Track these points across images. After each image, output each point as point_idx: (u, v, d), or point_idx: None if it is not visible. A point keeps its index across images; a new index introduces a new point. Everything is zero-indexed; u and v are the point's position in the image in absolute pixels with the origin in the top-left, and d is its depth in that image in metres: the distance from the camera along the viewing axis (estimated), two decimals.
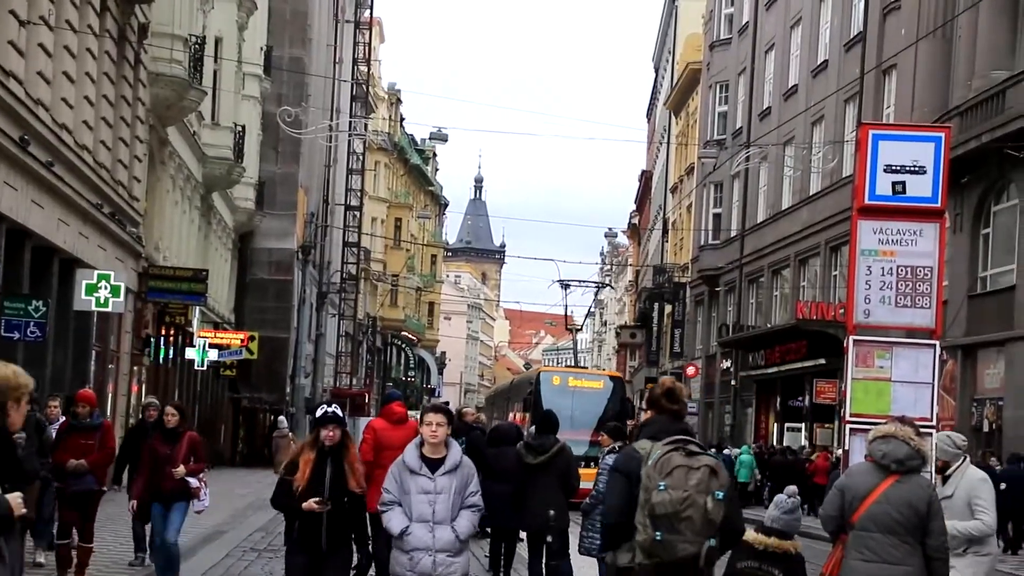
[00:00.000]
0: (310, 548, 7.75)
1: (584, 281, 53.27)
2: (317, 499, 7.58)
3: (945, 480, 8.67)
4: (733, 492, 6.00)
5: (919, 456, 6.73)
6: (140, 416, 14.03)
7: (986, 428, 28.23)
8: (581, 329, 35.59)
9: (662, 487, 5.69)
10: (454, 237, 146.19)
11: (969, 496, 8.52)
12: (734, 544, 6.31)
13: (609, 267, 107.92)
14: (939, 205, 10.32)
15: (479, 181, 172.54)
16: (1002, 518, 23.10)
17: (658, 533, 5.66)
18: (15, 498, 5.19)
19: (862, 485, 6.75)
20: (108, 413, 23.64)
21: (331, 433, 7.73)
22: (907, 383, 10.16)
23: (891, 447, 6.70)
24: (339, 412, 7.92)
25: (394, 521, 7.42)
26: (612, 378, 33.09)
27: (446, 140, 46.33)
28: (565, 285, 43.13)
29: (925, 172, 10.26)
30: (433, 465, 7.47)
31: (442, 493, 7.40)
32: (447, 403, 8.16)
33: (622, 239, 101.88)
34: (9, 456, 5.40)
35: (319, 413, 7.90)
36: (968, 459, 9.04)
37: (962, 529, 8.33)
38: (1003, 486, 22.24)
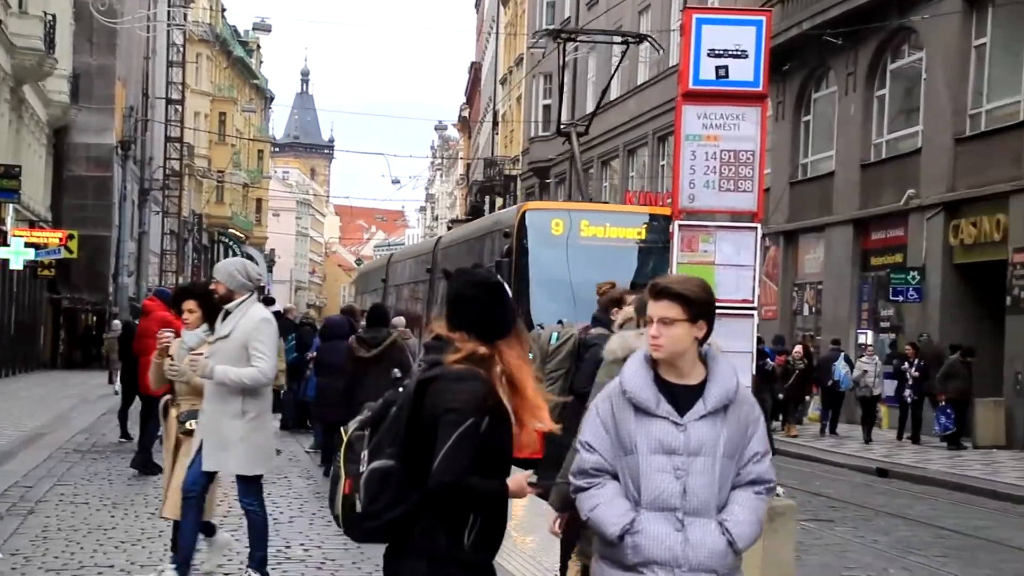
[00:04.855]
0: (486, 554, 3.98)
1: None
2: (531, 477, 3.98)
3: (225, 316, 7.47)
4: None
5: None
6: None
7: (806, 312, 29.18)
8: (586, 132, 21.11)
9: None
10: (281, 132, 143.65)
11: (248, 338, 7.35)
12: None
13: (440, 161, 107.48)
14: (761, 89, 10.37)
15: (306, 74, 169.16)
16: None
17: None
18: None
19: None
20: None
21: None
22: (730, 266, 10.33)
23: None
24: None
25: (607, 509, 3.88)
26: (656, 219, 17.61)
27: (270, 31, 45.15)
28: (396, 181, 41.04)
29: (747, 56, 10.29)
30: (682, 398, 3.90)
31: (700, 455, 3.84)
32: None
33: (453, 132, 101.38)
34: None
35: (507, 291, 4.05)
36: (256, 296, 7.61)
37: (234, 376, 7.29)
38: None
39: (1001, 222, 21.96)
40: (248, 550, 7.91)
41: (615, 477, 3.89)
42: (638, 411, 3.87)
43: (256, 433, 7.53)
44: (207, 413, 7.54)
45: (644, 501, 3.83)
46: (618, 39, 22.03)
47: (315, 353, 16.09)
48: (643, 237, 17.41)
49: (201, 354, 7.50)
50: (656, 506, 3.82)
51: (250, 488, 7.70)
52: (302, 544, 9.63)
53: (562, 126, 21.37)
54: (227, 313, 7.45)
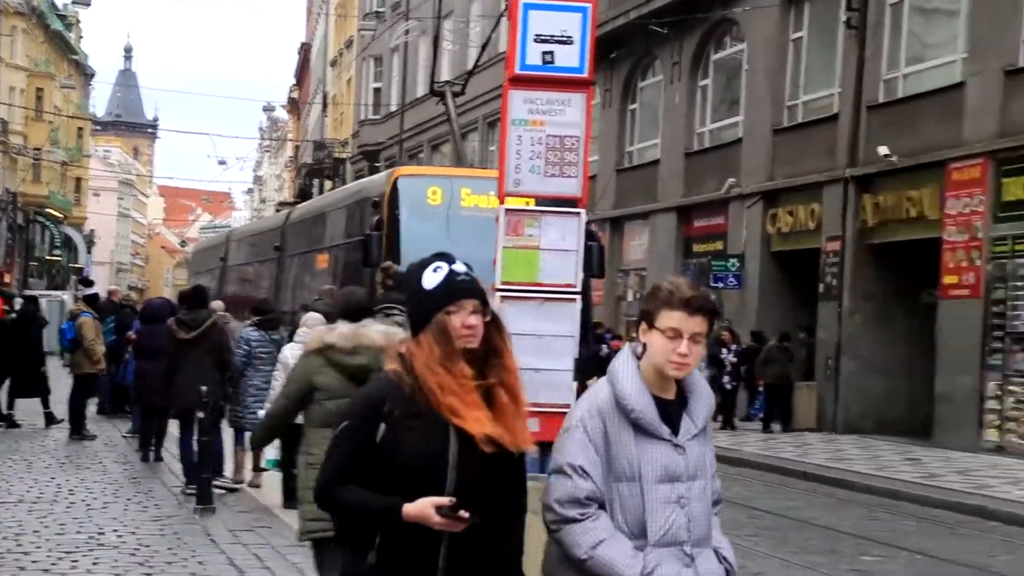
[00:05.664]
0: None
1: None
2: (444, 504, 3.27)
3: None
4: None
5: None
6: None
7: (630, 297, 29.69)
8: (462, 92, 17.98)
9: None
10: (102, 110, 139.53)
11: None
12: None
13: (268, 142, 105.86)
14: (586, 75, 10.48)
15: (128, 51, 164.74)
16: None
17: None
18: None
19: None
20: None
21: (472, 323, 3.40)
22: (554, 251, 10.43)
23: None
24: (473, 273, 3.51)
25: (614, 548, 3.44)
26: None
27: (89, 5, 43.79)
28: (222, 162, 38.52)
29: (572, 42, 10.39)
30: (668, 415, 3.55)
31: (696, 479, 3.55)
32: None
33: (281, 114, 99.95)
34: None
35: (435, 276, 3.45)
36: None
37: None
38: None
39: (815, 211, 22.70)
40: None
41: (601, 506, 3.45)
42: (640, 433, 3.46)
43: None
44: None
45: (652, 537, 3.43)
46: None
47: (134, 335, 15.70)
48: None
49: None
50: (665, 542, 3.44)
51: None
52: (115, 530, 9.40)
53: (436, 85, 18.69)
54: None
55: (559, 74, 10.61)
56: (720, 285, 24.79)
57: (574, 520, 3.42)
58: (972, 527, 12.59)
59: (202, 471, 10.69)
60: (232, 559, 8.34)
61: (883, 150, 20.62)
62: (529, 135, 10.91)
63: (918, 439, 19.80)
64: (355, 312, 6.16)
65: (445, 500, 3.27)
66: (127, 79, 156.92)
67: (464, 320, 3.36)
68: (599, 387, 3.56)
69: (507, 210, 10.75)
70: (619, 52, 28.66)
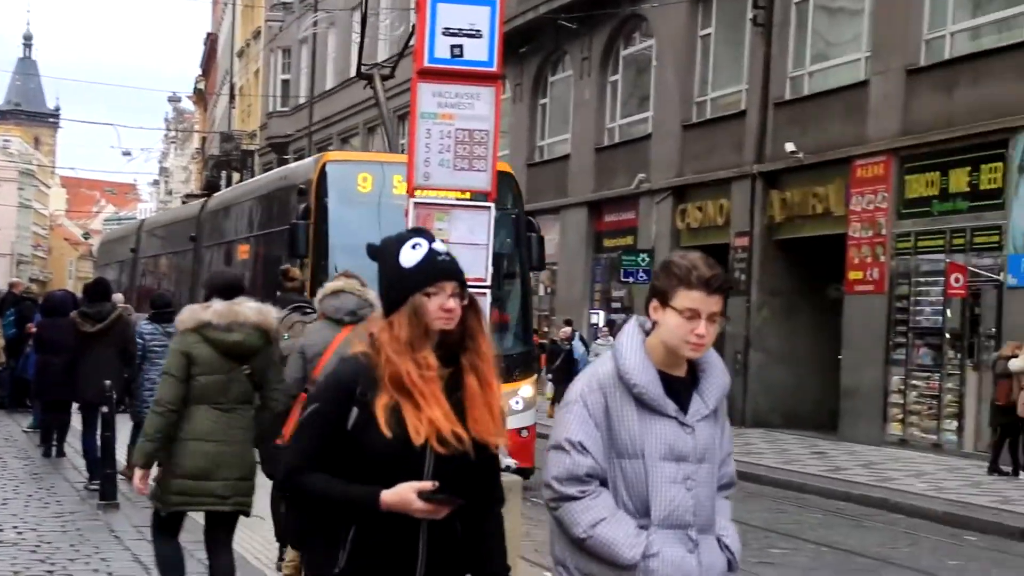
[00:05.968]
0: None
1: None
2: (426, 488, 3.11)
3: None
4: None
5: (369, 304, 6.81)
6: None
7: (541, 292, 29.77)
8: (391, 75, 17.36)
9: (286, 337, 7.27)
10: (1, 98, 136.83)
11: None
12: None
13: (174, 133, 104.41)
14: (495, 69, 10.47)
15: (28, 38, 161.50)
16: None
17: None
18: None
19: (320, 342, 6.91)
20: None
21: (451, 306, 3.23)
22: (464, 244, 10.39)
23: (341, 301, 6.94)
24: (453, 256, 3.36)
25: (614, 527, 3.30)
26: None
27: None
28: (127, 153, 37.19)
29: (481, 36, 10.35)
30: (677, 393, 3.39)
31: (704, 461, 3.39)
32: None
33: (188, 104, 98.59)
34: None
35: (415, 255, 3.25)
36: None
37: None
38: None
39: (724, 207, 22.92)
40: None
41: (603, 483, 3.31)
42: (643, 408, 3.30)
43: None
44: None
45: (656, 517, 3.27)
46: None
47: (34, 327, 15.35)
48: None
49: None
50: (669, 523, 3.29)
51: None
52: (15, 527, 9.19)
53: (364, 67, 17.96)
54: None
55: (468, 68, 10.59)
56: (630, 280, 24.92)
57: (573, 498, 3.29)
58: (876, 519, 12.81)
59: (106, 466, 10.50)
60: (137, 556, 8.18)
61: (789, 147, 20.89)
62: (438, 128, 10.87)
63: (824, 432, 20.09)
64: (228, 290, 6.28)
65: (427, 484, 3.10)
66: (27, 67, 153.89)
67: (443, 303, 3.20)
68: (602, 362, 3.43)
69: (416, 203, 10.72)
70: (529, 47, 28.71)
